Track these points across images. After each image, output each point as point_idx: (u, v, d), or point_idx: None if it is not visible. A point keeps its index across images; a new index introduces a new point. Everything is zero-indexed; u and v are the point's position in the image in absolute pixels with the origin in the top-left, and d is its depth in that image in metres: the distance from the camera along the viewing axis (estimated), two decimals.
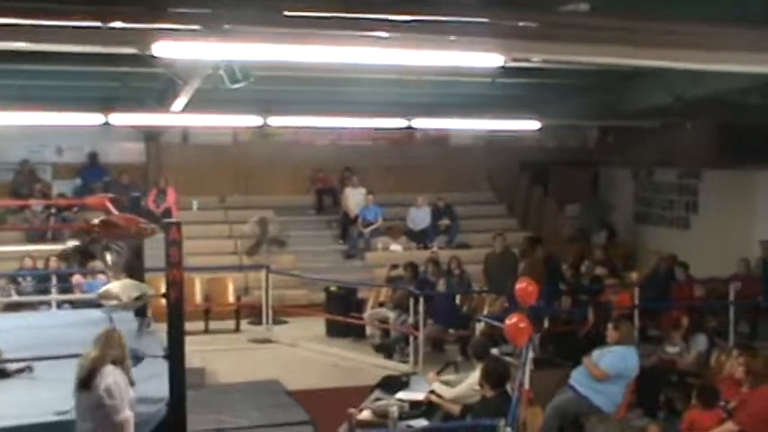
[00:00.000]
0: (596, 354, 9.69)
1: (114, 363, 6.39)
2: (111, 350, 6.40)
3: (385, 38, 5.96)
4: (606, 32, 6.80)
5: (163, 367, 7.25)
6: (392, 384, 9.82)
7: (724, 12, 7.99)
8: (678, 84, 13.33)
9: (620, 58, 8.01)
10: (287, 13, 5.76)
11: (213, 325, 14.86)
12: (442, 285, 13.86)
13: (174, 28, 5.87)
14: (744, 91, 12.47)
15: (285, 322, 15.20)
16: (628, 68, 11.87)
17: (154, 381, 7.25)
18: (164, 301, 7.33)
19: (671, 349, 11.66)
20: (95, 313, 9.65)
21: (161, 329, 8.05)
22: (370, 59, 6.61)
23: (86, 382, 6.27)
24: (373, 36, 5.98)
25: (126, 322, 8.67)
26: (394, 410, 8.50)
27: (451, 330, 13.41)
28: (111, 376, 6.28)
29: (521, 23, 6.55)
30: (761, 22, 7.13)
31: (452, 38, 6.09)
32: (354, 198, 18.62)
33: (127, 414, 6.32)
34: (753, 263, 15.39)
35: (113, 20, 5.72)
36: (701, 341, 11.67)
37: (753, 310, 14.51)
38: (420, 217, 18.64)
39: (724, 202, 17.57)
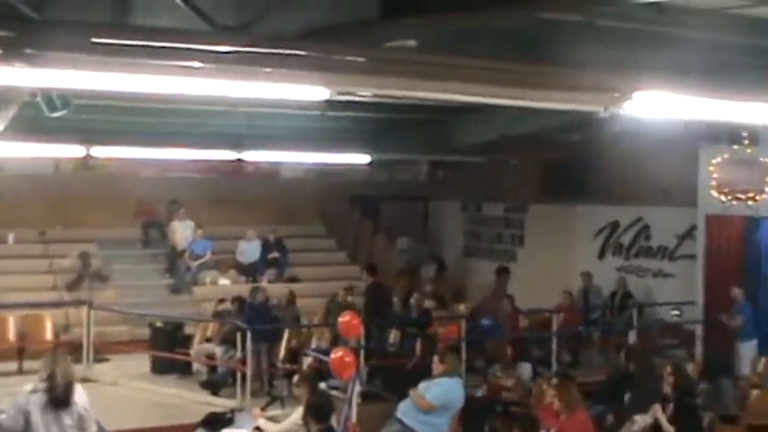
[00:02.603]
0: (423, 386, 9.72)
1: None
2: (71, 367, 6.63)
3: (198, 68, 5.82)
4: (433, 68, 6.88)
5: None
6: (216, 421, 9.57)
7: (547, 51, 8.24)
8: (503, 121, 13.69)
9: (446, 94, 8.12)
10: (95, 39, 5.51)
11: (28, 365, 14.04)
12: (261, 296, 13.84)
13: None
14: (563, 128, 12.89)
15: (107, 360, 14.63)
16: (457, 104, 12.08)
17: None
18: None
19: (499, 376, 11.84)
20: None
21: None
22: (182, 89, 6.48)
23: (67, 399, 6.40)
24: (185, 66, 5.83)
25: None
26: None
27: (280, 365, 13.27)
28: (82, 391, 6.63)
29: (346, 58, 6.53)
30: (578, 63, 7.38)
31: (268, 70, 6.00)
32: (182, 231, 18.15)
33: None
34: (575, 293, 15.86)
35: None
36: (525, 370, 11.91)
37: (575, 340, 14.99)
38: (250, 250, 18.36)
39: (548, 236, 18.13)
